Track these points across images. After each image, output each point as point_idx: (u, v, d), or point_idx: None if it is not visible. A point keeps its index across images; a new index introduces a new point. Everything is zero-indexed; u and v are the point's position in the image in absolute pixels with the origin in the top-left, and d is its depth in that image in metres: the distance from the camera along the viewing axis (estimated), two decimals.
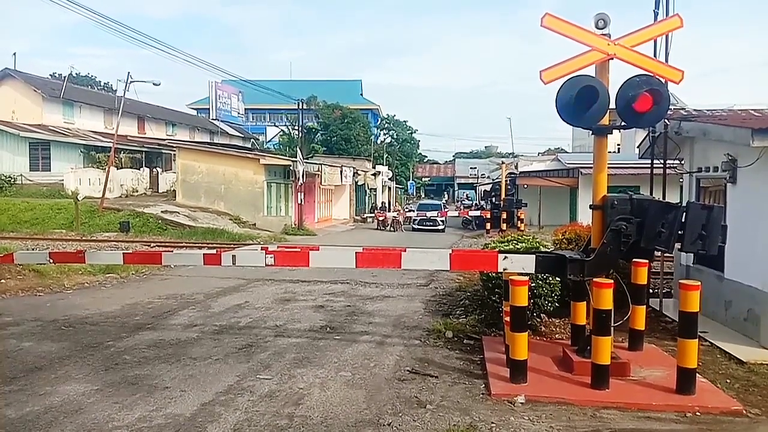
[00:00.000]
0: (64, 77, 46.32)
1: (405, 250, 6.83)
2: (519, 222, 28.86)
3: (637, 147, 12.81)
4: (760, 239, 7.57)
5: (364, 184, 44.11)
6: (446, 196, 76.13)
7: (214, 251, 7.64)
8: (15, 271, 11.93)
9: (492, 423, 5.15)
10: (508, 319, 6.36)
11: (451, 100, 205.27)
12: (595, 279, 5.93)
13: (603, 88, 6.13)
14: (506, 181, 33.00)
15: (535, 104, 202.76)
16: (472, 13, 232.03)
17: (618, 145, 36.54)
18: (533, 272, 6.52)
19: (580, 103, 5.96)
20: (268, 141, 62.13)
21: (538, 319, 8.26)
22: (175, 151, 33.13)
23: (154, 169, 38.02)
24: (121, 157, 35.95)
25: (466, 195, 65.04)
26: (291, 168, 30.10)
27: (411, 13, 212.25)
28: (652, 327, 8.33)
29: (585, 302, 6.70)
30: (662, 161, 9.91)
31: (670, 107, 8.48)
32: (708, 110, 10.56)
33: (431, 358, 7.13)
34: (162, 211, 26.82)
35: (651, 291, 9.66)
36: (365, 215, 41.29)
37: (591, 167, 6.71)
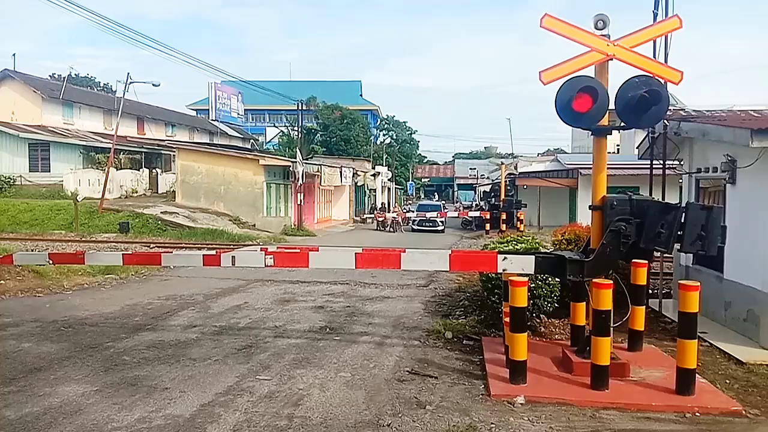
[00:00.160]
0: (64, 78, 46.28)
1: (404, 251, 6.83)
2: (518, 223, 28.88)
3: (637, 147, 12.82)
4: (760, 239, 7.57)
5: (363, 184, 44.13)
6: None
7: (213, 252, 7.62)
8: (14, 272, 11.94)
9: (491, 423, 5.15)
10: (507, 319, 6.36)
11: (451, 101, 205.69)
12: (594, 279, 5.93)
13: (602, 88, 6.14)
14: (506, 181, 33.00)
15: (534, 105, 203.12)
16: (472, 14, 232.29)
17: (617, 145, 36.61)
18: (533, 273, 6.52)
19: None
20: (268, 142, 62.18)
21: (538, 320, 8.26)
22: (174, 151, 33.14)
23: (154, 170, 37.98)
24: (120, 158, 35.94)
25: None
26: (290, 169, 30.11)
27: (411, 14, 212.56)
28: (652, 327, 8.34)
29: (584, 303, 6.70)
30: (661, 162, 9.91)
31: (670, 108, 8.48)
32: (707, 111, 10.56)
33: (431, 359, 7.13)
34: (161, 212, 26.82)
35: (650, 291, 9.66)
36: (365, 216, 41.29)
37: (590, 168, 6.71)
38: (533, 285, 7.71)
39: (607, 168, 6.57)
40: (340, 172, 35.71)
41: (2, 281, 11.48)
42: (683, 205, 6.21)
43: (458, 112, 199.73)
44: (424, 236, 30.18)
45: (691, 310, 5.73)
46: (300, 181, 29.48)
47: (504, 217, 29.07)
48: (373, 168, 48.59)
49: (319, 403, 5.63)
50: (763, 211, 7.58)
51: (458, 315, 9.61)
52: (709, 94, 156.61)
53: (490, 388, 5.94)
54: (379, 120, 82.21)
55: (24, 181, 33.09)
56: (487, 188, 45.92)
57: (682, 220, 6.00)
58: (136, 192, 34.88)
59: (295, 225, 29.05)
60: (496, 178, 40.75)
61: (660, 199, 7.96)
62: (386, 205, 44.56)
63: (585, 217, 8.65)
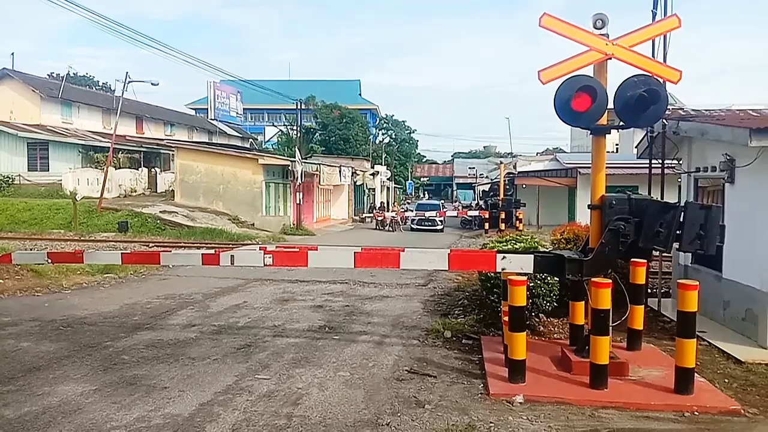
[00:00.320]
0: (62, 77, 46.18)
1: (403, 250, 6.83)
2: (517, 222, 28.85)
3: (636, 147, 12.81)
4: (759, 239, 7.58)
5: (362, 184, 44.11)
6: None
7: (212, 251, 7.62)
8: (13, 271, 11.93)
9: (490, 423, 5.15)
10: (506, 318, 6.36)
11: (450, 100, 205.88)
12: (593, 279, 5.93)
13: (601, 88, 6.14)
14: (505, 181, 33.01)
15: (533, 105, 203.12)
16: (472, 14, 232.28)
17: (616, 144, 36.57)
18: (532, 272, 6.52)
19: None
20: (267, 141, 62.10)
21: (537, 319, 8.27)
22: (173, 151, 33.10)
23: (153, 169, 37.94)
24: (119, 157, 35.90)
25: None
26: (289, 168, 30.10)
27: (411, 14, 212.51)
28: (651, 327, 8.34)
29: (583, 302, 6.70)
30: (660, 161, 9.92)
31: (668, 107, 8.49)
32: (706, 110, 10.56)
33: (430, 358, 7.14)
34: (160, 211, 26.80)
35: (649, 291, 9.66)
36: (364, 215, 41.31)
37: (589, 167, 6.71)
38: (532, 284, 7.71)
39: (606, 167, 6.57)
40: (339, 172, 35.71)
41: (1, 280, 11.47)
42: (682, 204, 6.21)
43: (458, 112, 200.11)
44: (423, 235, 30.18)
45: (690, 309, 5.73)
46: (299, 181, 29.47)
47: (503, 216, 29.09)
48: (372, 167, 48.58)
49: (318, 403, 5.63)
50: (762, 211, 7.58)
51: (457, 314, 9.61)
52: (709, 93, 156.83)
53: (489, 388, 5.94)
54: (378, 119, 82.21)
55: (23, 180, 33.06)
56: (486, 187, 45.97)
57: (681, 220, 6.00)
58: (135, 191, 34.84)
59: (294, 224, 29.04)
60: (495, 178, 40.73)
61: (659, 199, 7.97)
62: (385, 205, 44.58)
63: (584, 217, 8.66)
